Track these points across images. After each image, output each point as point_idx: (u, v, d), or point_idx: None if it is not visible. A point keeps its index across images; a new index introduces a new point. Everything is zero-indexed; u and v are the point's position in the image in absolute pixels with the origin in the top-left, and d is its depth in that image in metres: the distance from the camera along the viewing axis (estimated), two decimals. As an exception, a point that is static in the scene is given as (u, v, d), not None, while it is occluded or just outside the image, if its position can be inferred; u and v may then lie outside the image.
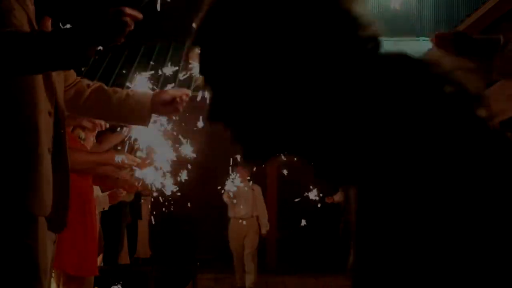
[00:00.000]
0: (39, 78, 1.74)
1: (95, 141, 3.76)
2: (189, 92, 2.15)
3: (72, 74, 2.10)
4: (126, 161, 2.94)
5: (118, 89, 2.16)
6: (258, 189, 7.32)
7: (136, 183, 3.30)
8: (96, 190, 3.72)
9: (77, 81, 2.11)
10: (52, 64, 1.62)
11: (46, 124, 1.77)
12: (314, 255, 9.04)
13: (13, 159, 1.67)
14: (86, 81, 2.14)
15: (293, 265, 8.59)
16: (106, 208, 3.99)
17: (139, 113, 2.10)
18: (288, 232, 9.08)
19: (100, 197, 3.80)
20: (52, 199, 1.77)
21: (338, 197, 7.82)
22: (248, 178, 7.14)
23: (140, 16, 1.64)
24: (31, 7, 1.81)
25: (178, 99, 2.09)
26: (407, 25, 9.12)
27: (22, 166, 1.68)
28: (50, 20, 1.88)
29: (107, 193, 3.81)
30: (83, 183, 3.18)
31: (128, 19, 1.58)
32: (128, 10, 1.60)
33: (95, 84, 2.13)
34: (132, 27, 1.61)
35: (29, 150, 1.69)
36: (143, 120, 2.14)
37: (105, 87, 2.14)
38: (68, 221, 1.95)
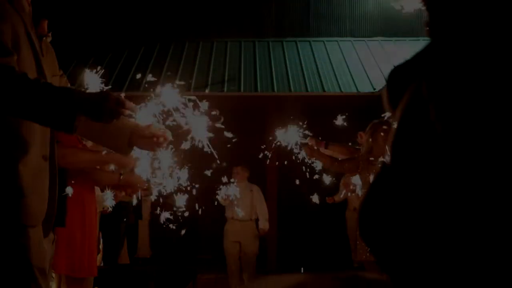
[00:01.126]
0: None
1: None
2: (170, 135, 2.13)
3: (65, 80, 2.11)
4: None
5: None
6: (257, 189, 6.96)
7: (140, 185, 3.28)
8: (96, 189, 3.71)
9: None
10: (37, 119, 1.65)
11: (40, 131, 1.76)
12: (314, 255, 9.03)
13: (2, 169, 1.66)
14: None
15: (293, 265, 8.58)
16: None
17: (116, 141, 2.10)
18: (288, 232, 9.07)
19: (99, 197, 3.79)
20: (45, 208, 1.77)
21: (338, 197, 7.81)
22: (247, 178, 6.85)
23: (136, 110, 1.76)
24: (28, 9, 1.79)
25: (155, 139, 2.08)
26: (407, 25, 9.11)
27: (11, 176, 1.67)
28: (47, 22, 1.87)
29: (107, 193, 3.80)
30: (84, 186, 3.18)
31: (124, 111, 1.68)
32: (128, 104, 1.69)
33: None
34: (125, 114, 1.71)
35: (20, 160, 1.68)
36: (121, 149, 2.14)
37: None
38: (68, 223, 1.94)
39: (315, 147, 4.23)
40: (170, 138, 2.12)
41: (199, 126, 2.20)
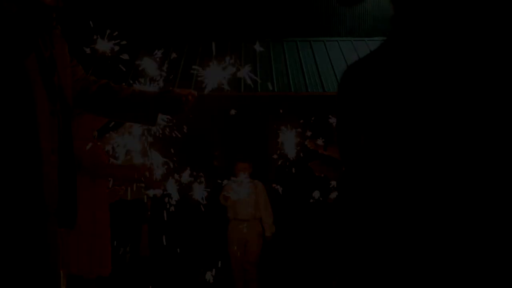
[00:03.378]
0: (37, 79, 1.73)
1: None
2: (195, 92, 2.13)
3: (79, 69, 2.09)
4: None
5: (125, 87, 2.14)
6: (260, 185, 6.44)
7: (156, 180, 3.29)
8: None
9: (84, 76, 2.10)
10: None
11: (48, 124, 1.75)
12: (314, 255, 9.04)
13: (9, 163, 1.66)
14: (92, 77, 2.13)
15: (293, 264, 8.58)
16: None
17: (144, 112, 2.09)
18: (288, 231, 9.06)
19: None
20: (55, 200, 1.76)
21: (338, 197, 7.80)
22: (250, 172, 6.35)
23: (194, 95, 2.15)
24: None
25: (184, 99, 2.08)
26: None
27: (21, 170, 1.67)
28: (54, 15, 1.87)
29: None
30: (97, 187, 3.17)
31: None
32: (191, 94, 2.11)
33: (102, 80, 2.13)
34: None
35: (27, 154, 1.68)
36: (149, 119, 2.12)
37: (112, 84, 2.13)
38: (80, 224, 1.92)
39: (316, 148, 4.23)
40: (196, 95, 2.14)
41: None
